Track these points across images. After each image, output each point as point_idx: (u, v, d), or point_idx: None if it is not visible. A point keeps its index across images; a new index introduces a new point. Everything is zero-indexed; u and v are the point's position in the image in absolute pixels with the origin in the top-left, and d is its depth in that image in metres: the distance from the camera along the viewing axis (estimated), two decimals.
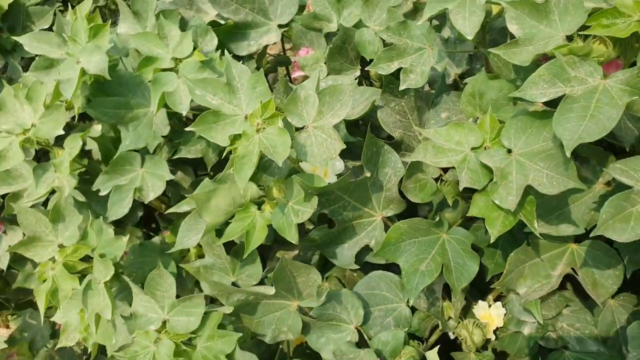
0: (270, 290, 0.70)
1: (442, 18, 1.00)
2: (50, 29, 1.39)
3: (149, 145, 0.88)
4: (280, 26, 1.01)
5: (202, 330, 0.71)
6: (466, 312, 0.83)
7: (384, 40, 0.92)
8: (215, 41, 0.93)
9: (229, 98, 0.70)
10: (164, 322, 0.72)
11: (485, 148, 0.64)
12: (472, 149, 0.64)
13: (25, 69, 1.30)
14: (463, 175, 0.61)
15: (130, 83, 0.89)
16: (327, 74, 0.99)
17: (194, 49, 0.87)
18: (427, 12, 0.69)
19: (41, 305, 0.84)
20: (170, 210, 0.83)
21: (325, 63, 1.00)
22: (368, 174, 0.74)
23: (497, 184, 0.60)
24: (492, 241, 0.61)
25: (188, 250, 1.03)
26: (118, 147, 0.98)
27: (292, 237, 0.68)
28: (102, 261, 0.84)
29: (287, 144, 0.63)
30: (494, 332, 0.78)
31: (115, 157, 0.91)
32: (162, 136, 0.89)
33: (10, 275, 1.32)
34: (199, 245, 1.03)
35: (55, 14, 1.52)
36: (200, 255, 1.02)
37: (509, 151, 0.63)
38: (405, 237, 0.70)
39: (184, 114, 0.81)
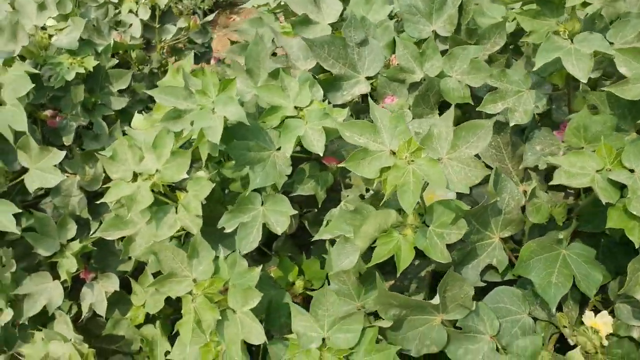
0: (435, 300, 0.75)
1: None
2: (127, 89, 1.47)
3: (277, 183, 0.94)
4: (367, 78, 1.12)
5: (359, 346, 0.75)
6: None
7: (470, 87, 1.03)
8: (321, 92, 1.02)
9: (373, 137, 0.78)
10: (324, 340, 0.76)
11: (607, 170, 0.73)
12: (597, 171, 0.73)
13: (109, 125, 1.37)
14: (599, 193, 0.70)
15: (253, 129, 0.96)
16: (412, 118, 1.09)
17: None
18: (540, 61, 0.80)
19: (186, 338, 0.87)
20: (316, 237, 0.88)
21: (409, 108, 1.10)
22: (498, 198, 0.82)
23: (631, 197, 0.69)
24: (637, 247, 0.69)
25: (293, 283, 1.08)
26: (220, 188, 1.04)
27: (441, 256, 0.75)
28: (241, 291, 0.88)
29: (440, 172, 0.71)
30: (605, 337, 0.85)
31: (240, 197, 0.97)
32: (287, 175, 0.96)
33: (93, 322, 1.33)
34: (302, 277, 1.08)
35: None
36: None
37: (632, 171, 0.72)
38: (534, 255, 0.78)
39: (321, 154, 0.88)
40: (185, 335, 0.86)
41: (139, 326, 1.21)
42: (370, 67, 1.10)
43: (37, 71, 1.20)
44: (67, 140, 1.29)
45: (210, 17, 1.73)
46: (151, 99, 1.65)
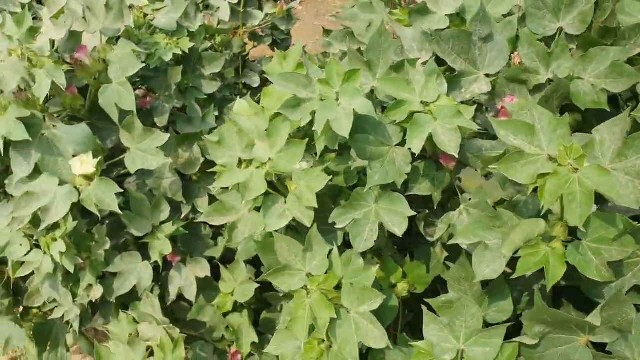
0: (596, 320, 0.69)
1: None
2: (219, 74, 1.43)
3: (396, 182, 0.88)
4: (487, 75, 1.05)
5: None
6: None
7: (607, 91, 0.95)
8: (446, 86, 0.95)
9: (529, 139, 0.72)
10: (459, 352, 0.71)
11: None
12: None
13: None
14: None
15: (373, 123, 0.91)
16: None
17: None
18: None
19: (300, 334, 0.82)
20: (451, 242, 0.82)
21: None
22: None
23: None
24: None
25: (395, 285, 1.03)
26: None
27: (598, 274, 0.68)
28: (358, 290, 0.83)
29: (613, 183, 0.65)
30: None
31: (355, 192, 0.92)
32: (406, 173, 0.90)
33: (177, 306, 1.30)
34: (406, 280, 1.03)
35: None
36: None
37: None
38: None
39: (456, 155, 0.83)
40: (299, 331, 0.82)
41: (225, 314, 1.18)
42: (492, 65, 1.02)
43: (142, 50, 1.17)
44: (161, 121, 1.26)
45: (295, 3, 1.68)
46: (243, 86, 1.62)
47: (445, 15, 1.08)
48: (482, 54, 1.02)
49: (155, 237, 1.16)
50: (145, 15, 1.35)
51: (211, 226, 1.29)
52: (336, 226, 0.91)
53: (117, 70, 1.09)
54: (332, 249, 0.88)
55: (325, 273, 0.87)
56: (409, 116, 0.87)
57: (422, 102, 0.89)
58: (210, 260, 1.22)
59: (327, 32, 1.45)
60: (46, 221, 1.01)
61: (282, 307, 1.15)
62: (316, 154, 0.98)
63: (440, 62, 1.02)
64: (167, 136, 1.08)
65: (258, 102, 1.15)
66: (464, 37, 0.99)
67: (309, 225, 0.89)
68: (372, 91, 0.97)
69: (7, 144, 1.05)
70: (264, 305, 1.23)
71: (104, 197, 1.04)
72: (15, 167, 1.05)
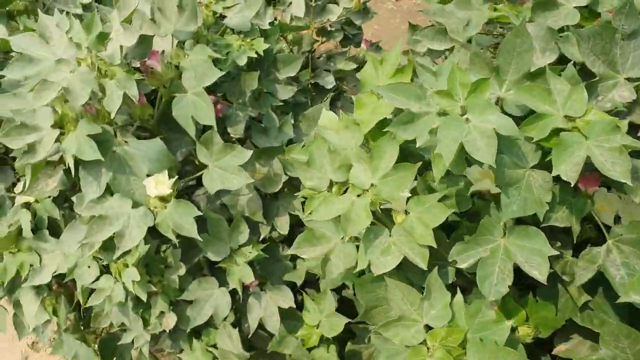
0: None
1: None
2: (295, 78, 1.30)
3: (538, 213, 0.73)
4: (628, 80, 0.87)
5: None
6: None
7: None
8: (586, 96, 0.79)
9: None
10: None
11: None
12: None
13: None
14: None
15: (504, 141, 0.75)
16: None
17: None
18: None
19: None
20: (623, 300, 0.66)
21: None
22: None
23: None
24: None
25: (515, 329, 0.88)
26: None
27: None
28: (491, 350, 0.69)
29: None
30: None
31: (482, 223, 0.77)
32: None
33: (256, 335, 1.19)
34: (528, 324, 0.87)
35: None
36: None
37: None
38: None
39: (629, 182, 0.66)
40: None
41: (310, 348, 1.06)
42: (636, 66, 0.85)
43: (219, 55, 1.05)
44: (235, 131, 1.14)
45: None
46: (313, 87, 1.49)
47: (574, 7, 0.91)
48: (623, 53, 0.84)
49: (233, 261, 1.05)
50: (215, 13, 1.23)
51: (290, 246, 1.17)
52: (457, 265, 0.77)
53: (192, 79, 0.97)
54: (454, 296, 0.74)
55: (447, 323, 0.72)
56: (551, 134, 0.71)
57: (565, 116, 0.73)
58: (292, 286, 1.10)
59: (413, 28, 1.29)
60: (120, 248, 0.91)
61: (369, 339, 1.02)
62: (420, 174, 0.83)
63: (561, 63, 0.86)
64: (249, 153, 0.96)
65: (334, 106, 1.02)
66: (607, 34, 0.81)
67: (425, 267, 0.75)
68: (496, 102, 0.81)
69: (77, 161, 0.95)
70: (348, 335, 1.11)
71: (182, 221, 0.93)
72: (85, 188, 0.95)
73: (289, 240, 1.13)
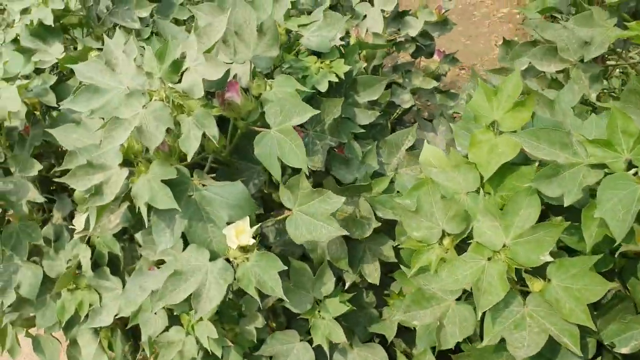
0: None
1: None
2: (375, 102, 1.17)
3: None
4: None
5: None
6: None
7: None
8: None
9: None
10: None
11: None
12: None
13: None
14: None
15: None
16: None
17: None
18: None
19: None
20: None
21: None
22: None
23: None
24: None
25: None
26: None
27: None
28: None
29: None
30: None
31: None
32: None
33: None
34: None
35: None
36: None
37: None
38: None
39: None
40: None
41: None
42: None
43: (306, 89, 0.93)
44: (314, 163, 1.02)
45: (451, 4, 1.38)
46: (387, 106, 1.35)
47: None
48: None
49: (318, 315, 0.93)
50: (288, 31, 1.12)
51: (375, 292, 1.05)
52: (617, 350, 0.63)
53: (277, 115, 0.85)
54: None
55: None
56: None
57: None
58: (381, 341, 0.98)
59: (507, 44, 1.15)
60: (199, 311, 0.80)
61: None
62: None
63: None
64: (341, 200, 0.84)
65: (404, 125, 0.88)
66: None
67: (577, 351, 0.62)
68: None
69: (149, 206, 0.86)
70: None
71: (265, 277, 0.81)
72: (158, 236, 0.85)
73: (372, 285, 1.01)
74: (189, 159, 0.81)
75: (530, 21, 1.07)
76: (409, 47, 1.47)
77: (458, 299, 0.77)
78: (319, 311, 0.94)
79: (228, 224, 0.84)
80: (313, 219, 0.85)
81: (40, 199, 1.11)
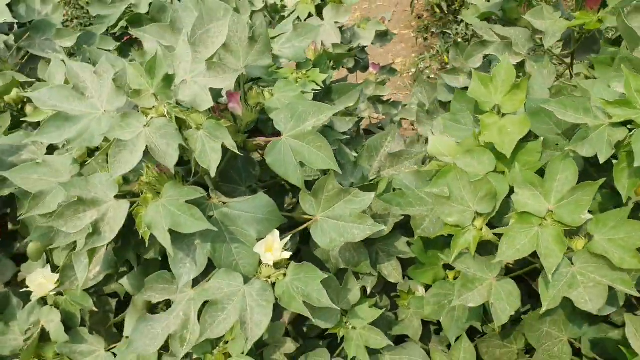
0: None
1: None
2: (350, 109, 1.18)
3: None
4: None
5: None
6: None
7: None
8: None
9: None
10: None
11: None
12: None
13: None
14: None
15: None
16: None
17: None
18: None
19: None
20: None
21: None
22: None
23: None
24: None
25: None
26: None
27: None
28: None
29: None
30: None
31: None
32: None
33: None
34: None
35: None
36: None
37: None
38: None
39: None
40: None
41: None
42: None
43: (308, 90, 0.91)
44: (313, 171, 0.99)
45: (389, 15, 1.45)
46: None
47: None
48: None
49: (346, 327, 0.89)
50: None
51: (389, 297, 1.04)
52: None
53: (287, 120, 0.82)
54: None
55: None
56: None
57: None
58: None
59: (457, 46, 1.25)
60: (250, 339, 0.72)
61: None
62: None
63: None
64: (371, 196, 0.82)
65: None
66: None
67: (635, 292, 0.67)
68: None
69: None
70: None
71: (309, 289, 0.76)
72: (177, 269, 0.75)
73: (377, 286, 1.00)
74: (212, 173, 0.73)
75: (476, 24, 1.18)
76: (347, 62, 1.52)
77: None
78: (346, 322, 0.90)
79: (258, 241, 0.77)
80: (341, 222, 0.82)
81: None
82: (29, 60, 1.39)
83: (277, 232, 0.78)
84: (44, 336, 0.95)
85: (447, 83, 1.28)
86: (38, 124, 1.10)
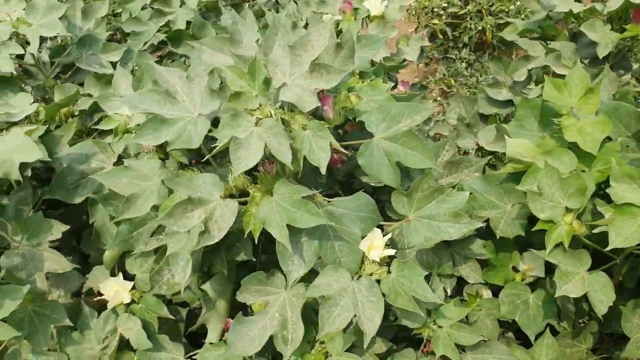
0: None
1: None
2: None
3: None
4: None
5: None
6: None
7: None
8: None
9: None
10: None
11: None
12: None
13: None
14: None
15: None
16: None
17: None
18: None
19: None
20: None
21: None
22: None
23: None
24: None
25: None
26: None
27: None
28: None
29: None
30: None
31: None
32: None
33: None
34: None
35: None
36: None
37: None
38: None
39: None
40: None
41: None
42: None
43: (396, 95, 0.94)
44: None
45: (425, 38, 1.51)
46: None
47: None
48: None
49: (431, 327, 0.90)
50: None
51: None
52: None
53: (378, 122, 0.84)
54: None
55: None
56: None
57: None
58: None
59: (498, 60, 1.31)
60: (368, 334, 0.73)
61: None
62: None
63: None
64: (466, 195, 0.84)
65: None
66: None
67: None
68: None
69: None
70: None
71: (414, 285, 0.78)
72: (286, 266, 0.76)
73: None
74: (322, 171, 0.75)
75: (519, 41, 1.25)
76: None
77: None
78: (432, 322, 0.91)
79: (362, 238, 0.78)
80: (435, 222, 0.84)
81: (68, 266, 0.90)
82: (73, 75, 1.39)
83: (379, 230, 0.79)
84: (122, 344, 0.93)
85: (489, 96, 1.34)
86: (106, 132, 1.09)
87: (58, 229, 0.90)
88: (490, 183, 1.00)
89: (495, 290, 1.03)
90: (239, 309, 0.93)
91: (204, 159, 0.86)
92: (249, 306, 0.87)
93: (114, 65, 1.34)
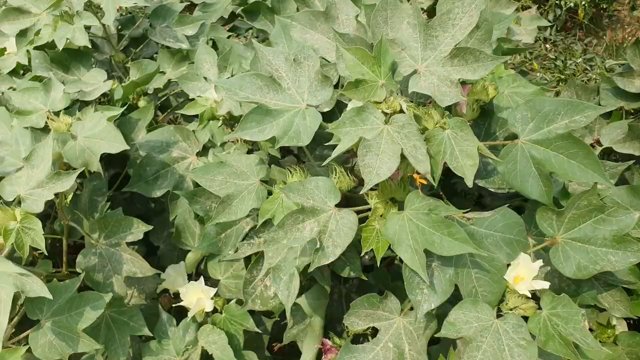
0: None
1: None
2: None
3: None
4: None
5: None
6: None
7: None
8: None
9: None
10: None
11: None
12: None
13: None
14: None
15: None
16: None
17: None
18: None
19: None
20: None
21: None
22: None
23: None
24: None
25: None
26: None
27: None
28: None
29: None
30: None
31: None
32: None
33: None
34: None
35: None
36: None
37: None
38: None
39: None
40: None
41: None
42: None
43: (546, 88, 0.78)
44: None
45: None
46: None
47: None
48: None
49: None
50: None
51: None
52: None
53: (525, 121, 0.67)
54: None
55: None
56: None
57: None
58: None
59: (637, 44, 1.11)
60: None
61: None
62: None
63: None
64: (635, 217, 0.68)
65: None
66: None
67: None
68: None
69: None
70: None
71: (570, 327, 0.62)
72: (413, 295, 0.62)
73: None
74: (469, 183, 0.60)
75: None
76: None
77: None
78: None
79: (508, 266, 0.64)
80: (590, 246, 0.68)
81: (149, 270, 0.80)
82: (143, 50, 1.28)
83: (527, 257, 0.64)
84: (202, 358, 0.83)
85: (617, 87, 1.14)
86: (191, 117, 0.98)
87: (139, 229, 0.79)
88: (636, 195, 0.83)
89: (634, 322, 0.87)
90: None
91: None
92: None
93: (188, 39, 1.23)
